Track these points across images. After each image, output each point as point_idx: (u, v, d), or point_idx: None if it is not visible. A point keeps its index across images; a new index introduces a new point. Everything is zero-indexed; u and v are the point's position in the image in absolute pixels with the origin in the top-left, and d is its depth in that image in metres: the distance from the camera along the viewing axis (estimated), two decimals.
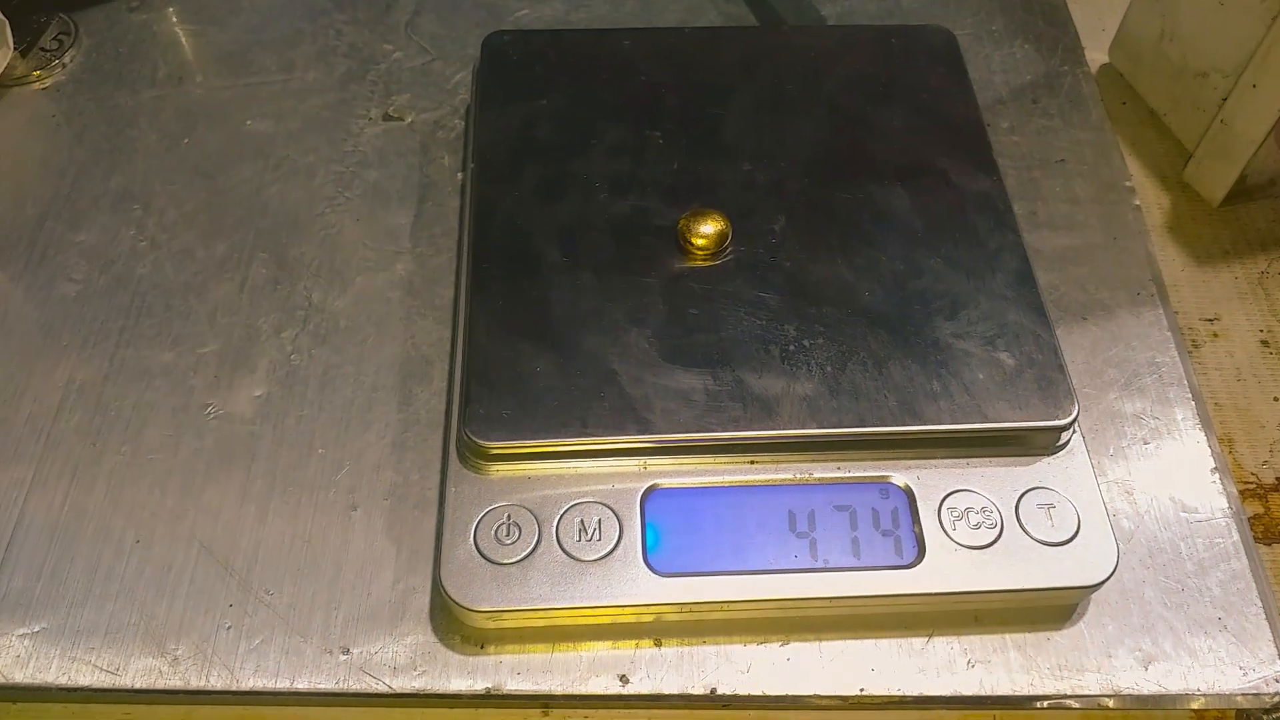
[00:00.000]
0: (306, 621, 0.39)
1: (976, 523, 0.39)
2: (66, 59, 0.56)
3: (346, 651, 0.38)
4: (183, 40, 0.57)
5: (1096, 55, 0.64)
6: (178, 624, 0.39)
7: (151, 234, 0.49)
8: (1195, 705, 0.39)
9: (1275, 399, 0.51)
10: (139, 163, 0.52)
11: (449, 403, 0.43)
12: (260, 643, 0.38)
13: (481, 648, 0.38)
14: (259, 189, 0.51)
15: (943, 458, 0.40)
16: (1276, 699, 0.38)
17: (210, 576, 0.40)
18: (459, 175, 0.51)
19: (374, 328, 0.46)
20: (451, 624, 0.39)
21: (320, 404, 0.44)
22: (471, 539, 0.38)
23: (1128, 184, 0.53)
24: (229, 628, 0.39)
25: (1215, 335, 0.50)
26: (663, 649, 0.38)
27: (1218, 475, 0.43)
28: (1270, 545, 0.47)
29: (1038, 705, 0.38)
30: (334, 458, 0.42)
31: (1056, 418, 0.40)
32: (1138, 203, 0.52)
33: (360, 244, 0.49)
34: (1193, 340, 0.51)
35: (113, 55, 0.57)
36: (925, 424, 0.40)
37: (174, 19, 0.58)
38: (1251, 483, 0.48)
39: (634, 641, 0.38)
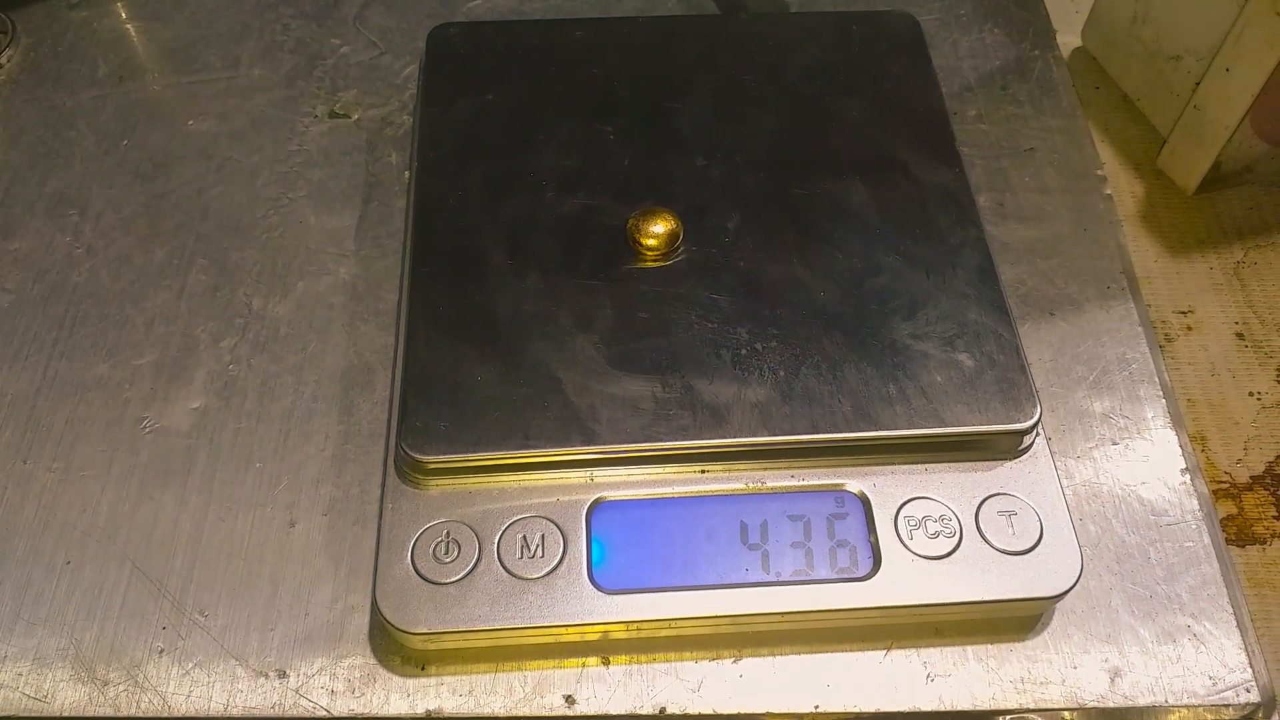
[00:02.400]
0: (242, 643, 0.37)
1: (935, 531, 0.38)
2: (3, 59, 0.54)
3: (283, 674, 0.37)
4: (124, 37, 0.56)
5: (1069, 38, 0.63)
6: (109, 648, 0.37)
7: (88, 240, 0.48)
8: (1165, 719, 0.37)
9: (1250, 394, 0.49)
10: (77, 166, 0.50)
11: (390, 413, 0.41)
12: (194, 666, 0.37)
13: (422, 669, 0.37)
14: (200, 191, 0.49)
15: (900, 464, 0.39)
16: (1246, 709, 0.37)
17: (143, 598, 0.38)
18: (406, 174, 0.50)
19: (315, 335, 0.45)
20: (391, 645, 0.37)
21: (259, 415, 0.42)
22: (409, 558, 0.36)
23: (1099, 172, 0.51)
24: (162, 651, 0.37)
25: (1189, 328, 0.49)
26: (610, 667, 0.37)
27: (1189, 475, 0.42)
28: (1244, 547, 0.46)
29: (1000, 719, 0.37)
30: (272, 471, 0.41)
31: (1017, 421, 0.39)
32: (1109, 191, 0.50)
33: (303, 247, 0.47)
34: (1165, 334, 0.49)
35: (51, 54, 0.55)
36: (881, 429, 0.38)
37: (116, 15, 0.56)
38: (1225, 482, 0.47)
39: (580, 660, 0.37)
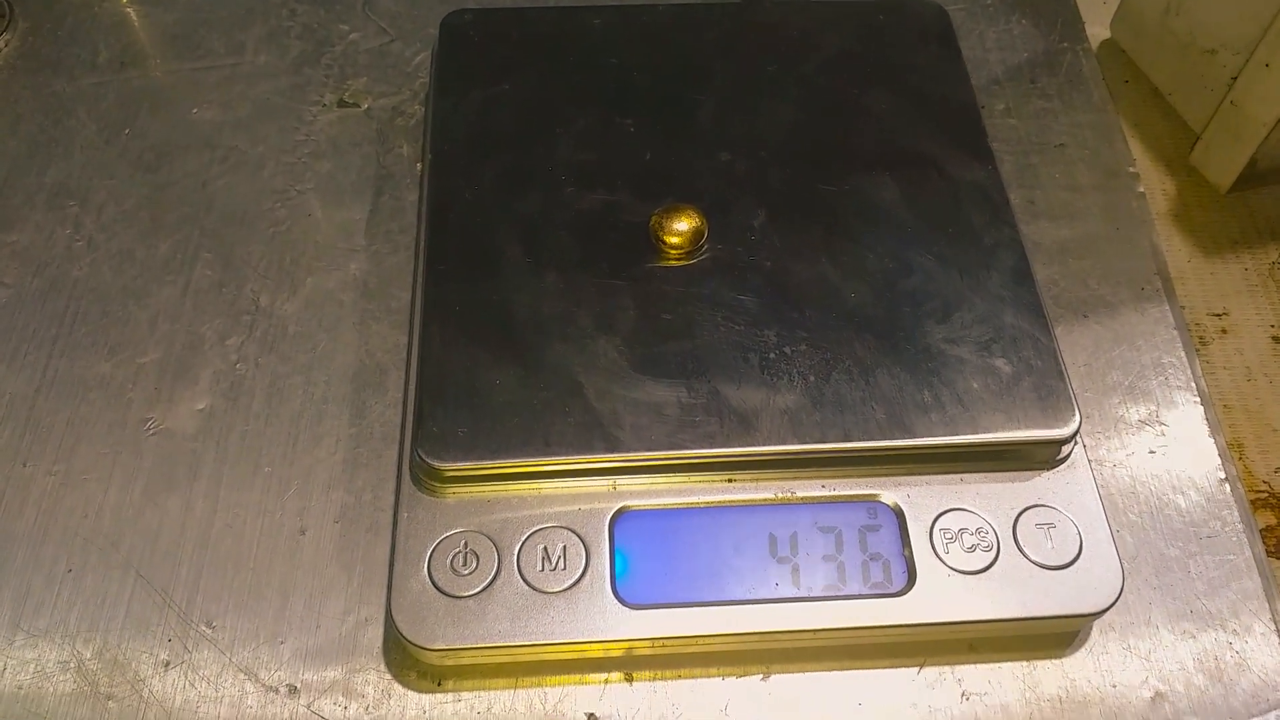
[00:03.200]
0: (250, 657, 0.36)
1: (971, 545, 0.36)
2: (1, 43, 0.52)
3: (294, 690, 0.35)
4: (126, 22, 0.54)
5: (1098, 30, 0.61)
6: (112, 661, 0.36)
7: (89, 233, 0.46)
8: None
9: None
10: (77, 155, 0.49)
11: (404, 416, 0.40)
12: (200, 681, 0.36)
13: (439, 684, 0.36)
14: (204, 183, 0.48)
15: (935, 474, 0.37)
16: None
17: (147, 608, 0.37)
18: (418, 166, 0.48)
19: (325, 333, 0.43)
20: (407, 659, 0.36)
21: (267, 417, 0.41)
22: (425, 570, 0.35)
23: (1131, 169, 0.50)
24: (167, 664, 0.36)
25: (1224, 331, 0.47)
26: (634, 684, 0.36)
27: (1228, 485, 0.41)
28: None
29: None
30: (281, 476, 0.40)
31: (1057, 429, 0.37)
32: (1142, 189, 0.49)
33: (311, 242, 0.46)
34: (1200, 337, 0.48)
35: (50, 39, 0.53)
36: (915, 438, 0.37)
37: None
38: (1263, 491, 0.46)
39: (603, 676, 0.36)
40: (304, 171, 0.48)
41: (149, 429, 0.41)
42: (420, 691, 0.35)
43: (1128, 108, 0.58)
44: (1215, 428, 0.42)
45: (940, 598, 0.35)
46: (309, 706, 0.35)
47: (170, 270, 0.45)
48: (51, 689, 0.35)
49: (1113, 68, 0.60)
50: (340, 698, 0.35)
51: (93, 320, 0.43)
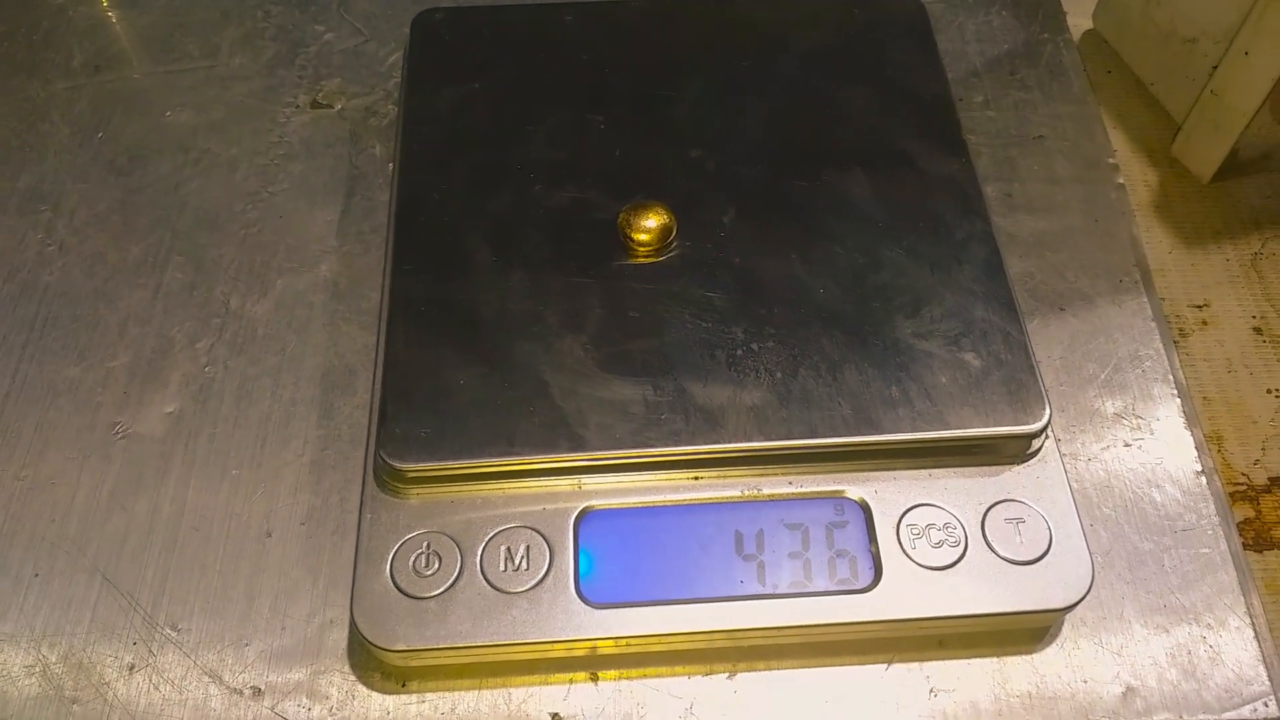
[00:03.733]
0: (216, 659, 0.36)
1: (938, 540, 0.36)
2: None
3: (258, 692, 0.35)
4: (101, 25, 0.54)
5: (1080, 20, 0.61)
6: (77, 665, 0.36)
7: (61, 237, 0.46)
8: None
9: (1269, 391, 0.47)
10: (50, 159, 0.49)
11: (371, 417, 0.40)
12: (165, 684, 0.36)
13: (403, 686, 0.35)
14: (177, 185, 0.48)
15: (902, 469, 0.37)
16: None
17: (113, 612, 0.37)
18: (390, 166, 0.48)
19: (295, 335, 0.43)
20: (371, 661, 0.36)
21: (235, 420, 0.41)
22: (387, 571, 0.35)
23: (1111, 160, 0.49)
24: (133, 668, 0.36)
25: (1204, 323, 0.47)
26: (599, 684, 0.36)
27: (1204, 478, 0.40)
28: (1261, 553, 0.44)
29: None
30: (249, 479, 0.39)
31: (1026, 423, 0.37)
32: (1122, 181, 0.49)
33: (283, 243, 0.46)
34: (1180, 329, 0.47)
35: (25, 43, 0.53)
36: (883, 433, 0.37)
37: (93, 2, 0.55)
38: (1242, 484, 0.45)
39: (568, 676, 0.36)
40: (277, 173, 0.48)
41: (117, 433, 0.41)
42: (384, 693, 0.35)
43: (1109, 98, 0.58)
44: (1193, 420, 0.42)
45: (907, 594, 0.35)
46: (273, 709, 0.35)
47: (141, 273, 0.45)
48: (16, 693, 0.35)
49: (1095, 59, 0.59)
50: (305, 699, 0.35)
51: (63, 325, 0.43)
